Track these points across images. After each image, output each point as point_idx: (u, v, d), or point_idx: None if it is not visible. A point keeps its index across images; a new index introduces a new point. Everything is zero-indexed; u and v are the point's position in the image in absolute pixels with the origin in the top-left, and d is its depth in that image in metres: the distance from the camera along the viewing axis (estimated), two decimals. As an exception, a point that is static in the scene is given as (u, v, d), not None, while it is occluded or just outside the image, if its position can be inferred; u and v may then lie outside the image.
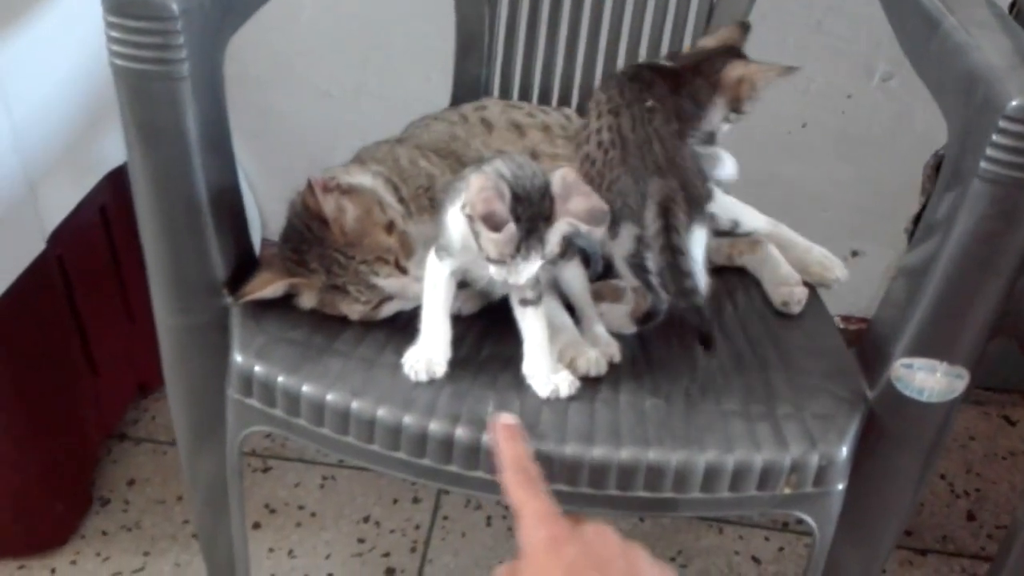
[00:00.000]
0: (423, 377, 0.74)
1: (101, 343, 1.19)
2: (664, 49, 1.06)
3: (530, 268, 0.68)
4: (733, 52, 0.86)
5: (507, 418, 0.68)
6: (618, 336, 0.80)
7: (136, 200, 0.74)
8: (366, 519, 1.24)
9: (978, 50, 0.67)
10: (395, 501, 1.26)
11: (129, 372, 1.31)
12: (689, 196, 0.76)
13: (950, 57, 0.70)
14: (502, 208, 0.65)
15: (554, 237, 0.68)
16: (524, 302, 0.73)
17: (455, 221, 0.70)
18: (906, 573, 1.21)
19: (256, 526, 1.21)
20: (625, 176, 0.77)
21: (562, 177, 0.69)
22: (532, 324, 0.74)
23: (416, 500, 1.27)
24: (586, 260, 0.83)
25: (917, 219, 1.37)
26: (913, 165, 1.30)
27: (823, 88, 1.26)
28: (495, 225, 0.64)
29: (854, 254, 1.40)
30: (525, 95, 1.09)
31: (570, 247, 0.79)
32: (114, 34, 0.67)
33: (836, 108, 1.28)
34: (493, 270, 0.68)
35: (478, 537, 1.22)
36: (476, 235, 0.67)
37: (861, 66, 1.24)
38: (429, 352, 0.75)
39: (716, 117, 0.85)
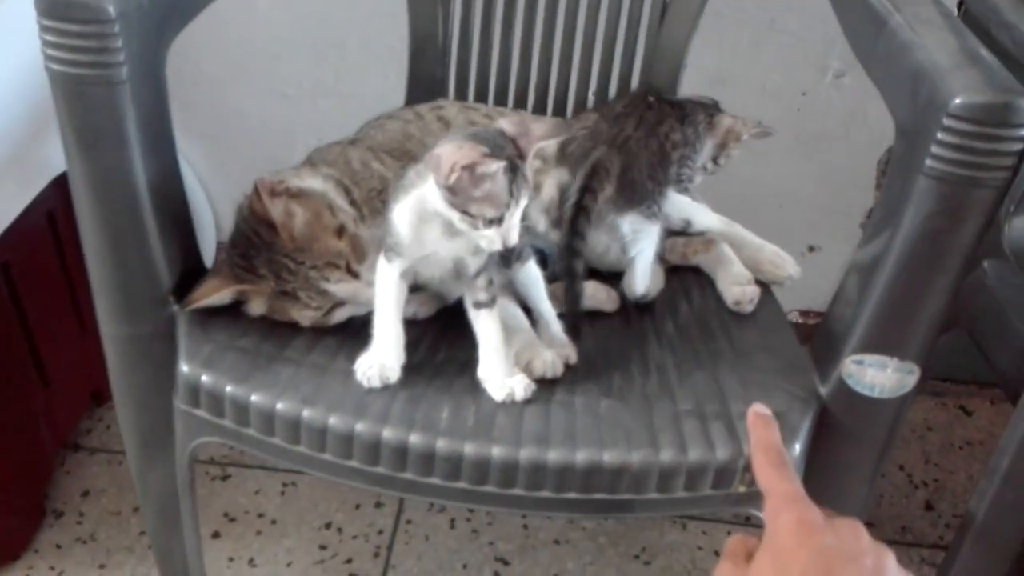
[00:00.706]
0: (376, 383, 0.73)
1: (51, 352, 1.17)
2: (619, 48, 1.05)
3: (517, 217, 0.68)
4: (717, 107, 0.98)
5: (760, 407, 0.68)
6: (576, 335, 0.80)
7: (77, 207, 0.73)
8: (328, 525, 1.22)
9: (923, 48, 0.68)
10: (357, 506, 1.25)
11: (81, 381, 1.28)
12: (626, 179, 0.81)
13: (896, 55, 0.70)
14: (486, 150, 0.65)
15: (529, 173, 0.68)
16: (478, 304, 0.73)
17: (401, 217, 0.70)
18: (866, 564, 1.22)
19: (216, 535, 1.19)
20: (586, 137, 0.85)
21: (507, 120, 0.70)
22: (487, 327, 0.73)
23: (379, 504, 1.25)
24: (543, 262, 0.83)
25: (872, 213, 1.39)
26: (867, 161, 1.31)
27: (778, 85, 1.27)
28: (489, 158, 0.64)
29: (811, 249, 1.42)
30: (481, 95, 1.08)
31: (526, 248, 0.78)
32: (49, 38, 0.65)
33: (791, 105, 1.29)
34: (485, 240, 0.68)
35: (442, 540, 1.21)
36: (464, 205, 0.66)
37: (815, 63, 1.26)
38: (382, 358, 0.74)
39: (704, 156, 0.96)
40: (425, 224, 0.69)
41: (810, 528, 0.54)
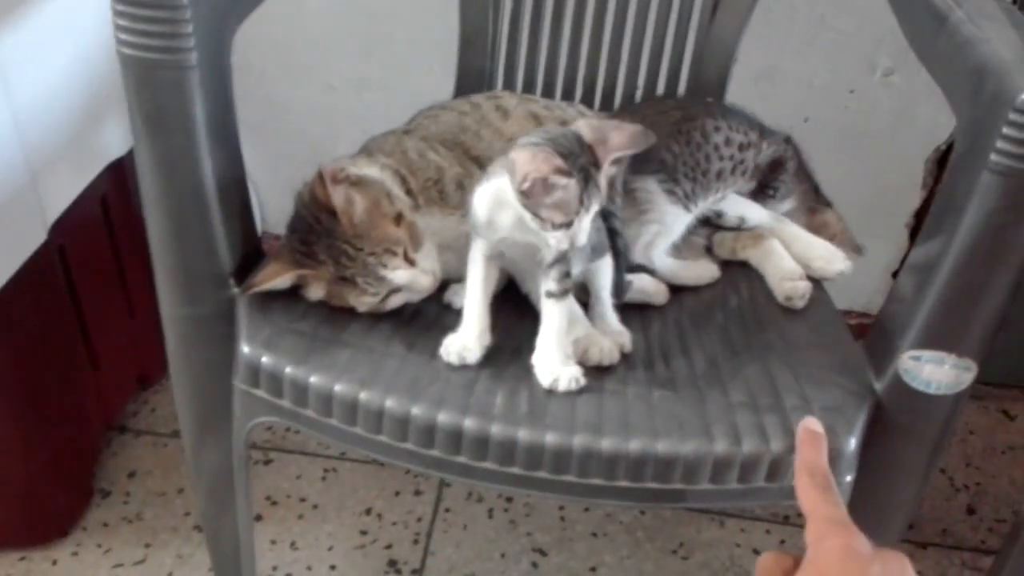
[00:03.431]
0: (453, 360, 0.76)
1: (102, 335, 1.19)
2: (668, 42, 1.06)
3: (587, 222, 0.69)
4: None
5: (812, 423, 0.65)
6: (630, 325, 0.80)
7: (142, 190, 0.74)
8: (368, 511, 1.24)
9: (987, 43, 0.67)
10: (397, 493, 1.26)
11: (129, 364, 1.30)
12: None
13: (959, 51, 0.70)
14: (561, 163, 0.66)
15: (604, 181, 0.69)
16: (549, 294, 0.74)
17: (480, 200, 0.72)
18: (906, 566, 1.21)
19: (258, 518, 1.21)
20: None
21: (587, 124, 0.70)
22: (552, 315, 0.74)
23: (418, 492, 1.27)
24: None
25: (918, 214, 1.37)
26: (914, 160, 1.30)
27: (826, 83, 1.26)
28: (562, 174, 0.65)
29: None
30: (529, 87, 1.09)
31: (603, 243, 0.80)
32: (122, 22, 0.66)
33: (838, 103, 1.28)
34: (554, 240, 0.69)
35: (480, 529, 1.22)
36: (535, 208, 0.68)
37: (864, 61, 1.25)
38: (464, 338, 0.76)
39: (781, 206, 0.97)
40: (501, 211, 0.71)
41: (857, 556, 0.52)
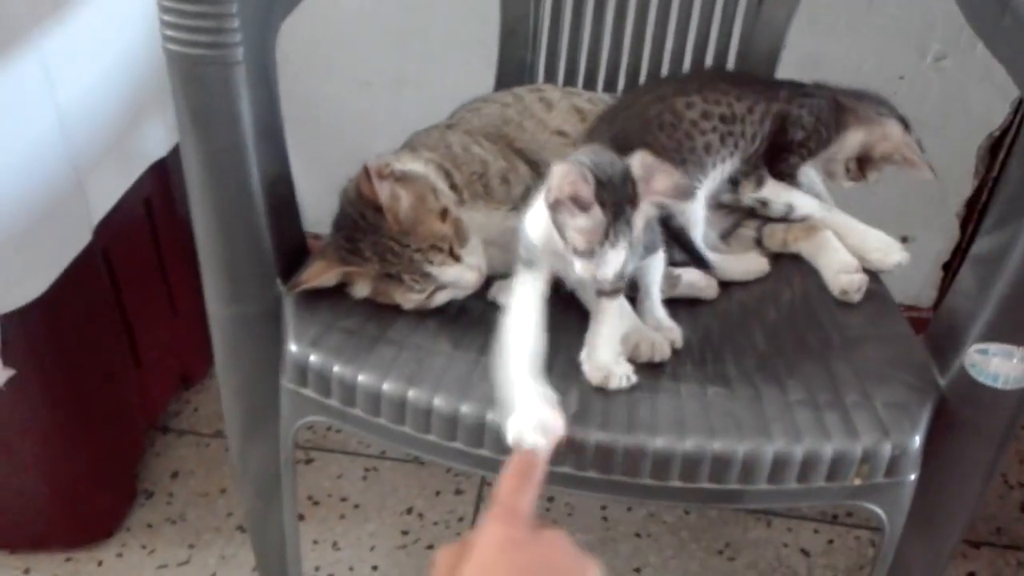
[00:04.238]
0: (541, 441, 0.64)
1: (145, 335, 1.20)
2: (714, 31, 1.03)
3: (618, 258, 0.66)
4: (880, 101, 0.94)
5: (554, 417, 0.64)
6: (679, 321, 0.79)
7: (189, 188, 0.74)
8: (409, 511, 1.23)
9: (1058, 21, 0.65)
10: (438, 493, 1.25)
11: (171, 364, 1.31)
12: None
13: (1026, 30, 0.67)
14: (587, 190, 0.63)
15: (640, 221, 0.66)
16: (602, 292, 0.72)
17: (533, 222, 0.69)
18: (960, 566, 1.18)
19: (300, 518, 1.21)
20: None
21: (641, 159, 0.67)
22: (604, 312, 0.72)
23: (459, 492, 1.26)
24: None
25: (969, 203, 1.33)
26: (966, 148, 1.26)
27: (875, 68, 1.23)
28: (582, 205, 0.63)
29: (903, 240, 1.37)
30: (571, 79, 1.07)
31: (657, 240, 0.77)
32: (168, 19, 0.66)
33: (888, 89, 1.23)
34: (579, 266, 0.66)
35: (523, 529, 1.21)
36: (561, 227, 0.66)
37: (914, 46, 1.21)
38: (535, 413, 0.65)
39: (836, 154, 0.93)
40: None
41: (515, 545, 0.55)
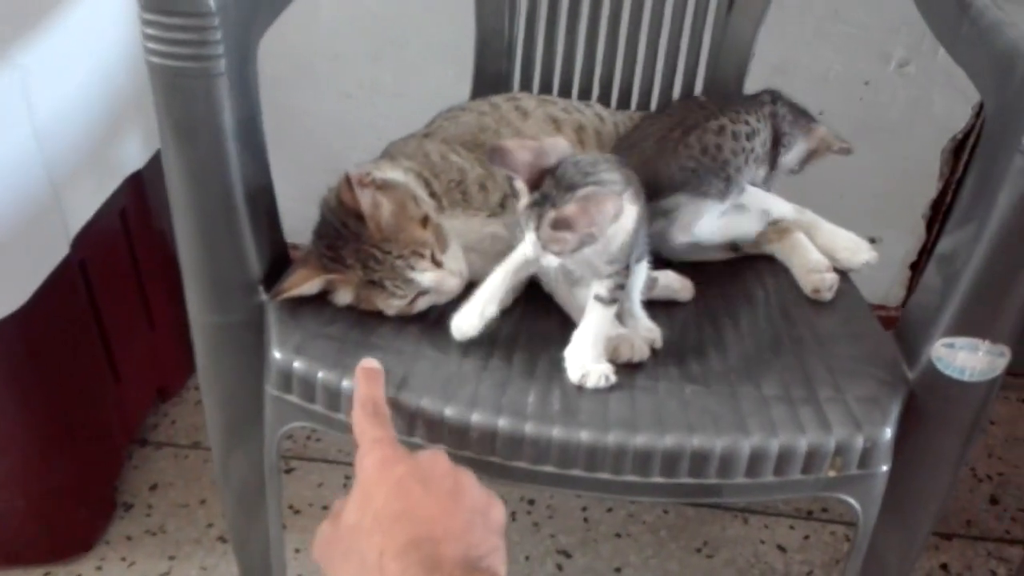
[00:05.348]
0: (456, 336, 0.76)
1: (122, 348, 1.19)
2: (685, 41, 1.06)
3: (532, 244, 0.71)
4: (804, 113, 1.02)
5: (370, 362, 0.71)
6: (656, 322, 0.80)
7: (171, 198, 0.74)
8: (392, 518, 1.23)
9: (1013, 26, 0.67)
10: (420, 499, 1.26)
11: (149, 376, 1.30)
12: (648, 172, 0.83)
13: (985, 36, 0.70)
14: (524, 159, 0.70)
15: (545, 230, 0.70)
16: (599, 298, 0.74)
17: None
18: (932, 558, 1.21)
19: (282, 527, 1.21)
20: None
21: (589, 192, 0.69)
22: (595, 315, 0.74)
23: (441, 497, 1.26)
24: None
25: (935, 204, 1.37)
26: (931, 150, 1.30)
27: (841, 75, 1.26)
28: (512, 168, 0.70)
29: (872, 241, 1.40)
30: (546, 87, 1.09)
31: (644, 250, 0.79)
32: (150, 31, 0.66)
33: (854, 95, 1.28)
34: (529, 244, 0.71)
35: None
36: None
37: (878, 52, 1.25)
38: (465, 312, 0.76)
39: (793, 158, 1.00)
40: None
41: (389, 462, 0.59)
